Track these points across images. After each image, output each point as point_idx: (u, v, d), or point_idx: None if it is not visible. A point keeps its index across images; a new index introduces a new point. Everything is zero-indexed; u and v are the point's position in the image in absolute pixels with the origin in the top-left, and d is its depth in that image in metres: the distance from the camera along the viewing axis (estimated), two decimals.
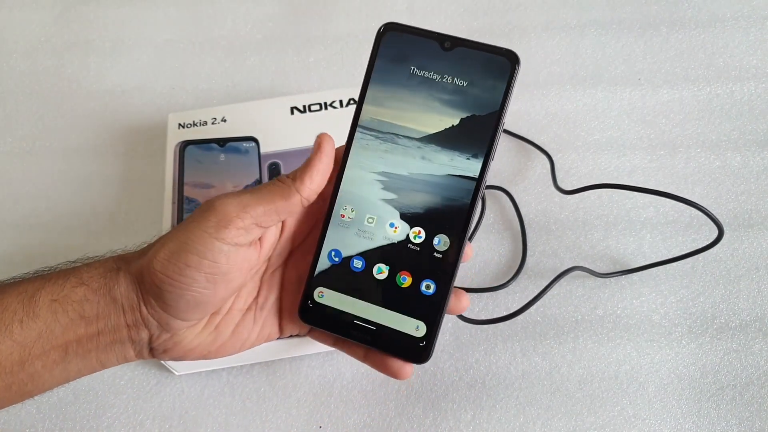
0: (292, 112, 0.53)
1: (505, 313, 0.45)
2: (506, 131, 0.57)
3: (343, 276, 0.37)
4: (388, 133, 0.37)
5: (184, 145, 0.51)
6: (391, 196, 0.37)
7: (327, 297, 0.37)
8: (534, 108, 0.59)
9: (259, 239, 0.36)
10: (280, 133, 0.52)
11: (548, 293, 0.46)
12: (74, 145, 0.58)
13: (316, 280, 0.37)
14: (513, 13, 0.65)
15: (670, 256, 0.49)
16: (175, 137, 0.52)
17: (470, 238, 0.50)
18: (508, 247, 0.51)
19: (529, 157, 0.56)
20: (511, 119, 0.58)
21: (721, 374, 0.45)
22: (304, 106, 0.54)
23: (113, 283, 0.34)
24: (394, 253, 0.37)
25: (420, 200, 0.36)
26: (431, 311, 0.36)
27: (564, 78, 0.60)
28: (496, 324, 0.47)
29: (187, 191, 0.49)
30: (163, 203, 0.50)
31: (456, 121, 0.36)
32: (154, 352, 0.36)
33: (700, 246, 0.48)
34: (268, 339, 0.39)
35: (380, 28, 0.37)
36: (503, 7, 0.66)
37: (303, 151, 0.51)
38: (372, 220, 0.37)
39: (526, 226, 0.52)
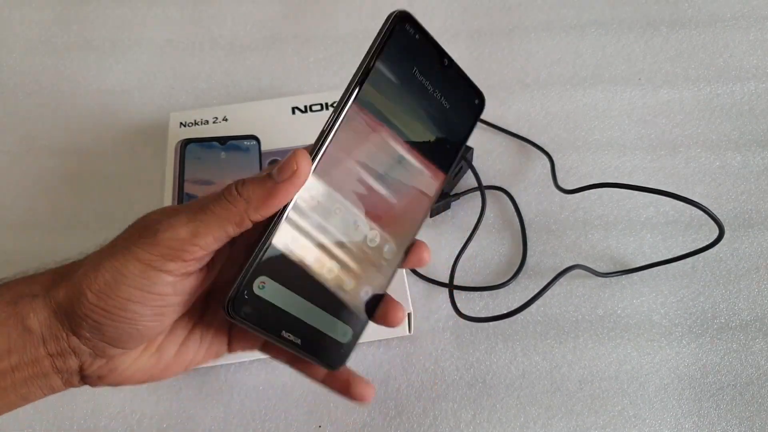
0: (294, 112, 0.53)
1: (505, 311, 0.44)
2: (506, 131, 0.57)
3: (291, 268, 0.31)
4: (383, 122, 0.33)
5: (185, 142, 0.51)
6: (362, 191, 0.33)
7: (268, 290, 0.31)
8: (534, 108, 0.59)
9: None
10: (282, 132, 0.52)
11: (548, 293, 0.46)
12: (74, 144, 0.58)
13: (260, 268, 0.30)
14: (513, 13, 0.65)
15: (670, 256, 0.49)
16: (176, 136, 0.52)
17: (470, 238, 0.50)
18: (509, 247, 0.51)
19: (529, 157, 0.56)
20: (511, 119, 0.58)
21: (722, 374, 0.45)
22: (306, 107, 0.54)
23: (27, 311, 0.29)
24: (347, 253, 0.33)
25: (385, 204, 0.34)
26: (360, 318, 0.34)
27: (564, 78, 0.60)
28: (497, 323, 0.47)
29: (188, 188, 0.49)
30: (162, 201, 0.50)
31: (433, 138, 0.35)
32: (87, 379, 0.31)
33: (701, 246, 0.48)
34: (216, 356, 0.35)
35: (395, 14, 0.32)
36: (503, 7, 0.66)
37: None
38: (338, 212, 0.32)
39: (526, 226, 0.52)
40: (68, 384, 0.31)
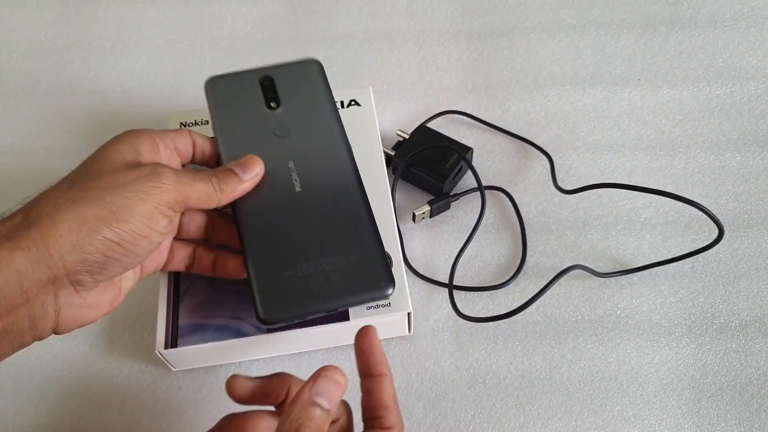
0: None
1: (505, 311, 0.44)
2: (506, 131, 0.57)
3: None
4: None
5: None
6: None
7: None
8: (534, 108, 0.59)
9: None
10: None
11: (548, 293, 0.46)
12: (74, 144, 0.58)
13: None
14: (513, 13, 0.65)
15: (670, 256, 0.49)
16: None
17: (470, 238, 0.50)
18: (508, 247, 0.51)
19: (529, 157, 0.56)
20: (510, 119, 0.58)
21: (721, 374, 0.45)
22: None
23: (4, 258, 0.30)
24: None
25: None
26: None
27: (564, 78, 0.60)
28: (497, 323, 0.47)
29: None
30: None
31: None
32: (60, 323, 0.33)
33: (700, 246, 0.48)
34: (141, 279, 0.39)
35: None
36: (503, 7, 0.66)
37: None
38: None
39: (525, 226, 0.52)
40: (37, 335, 0.33)
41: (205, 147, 0.42)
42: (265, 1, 0.67)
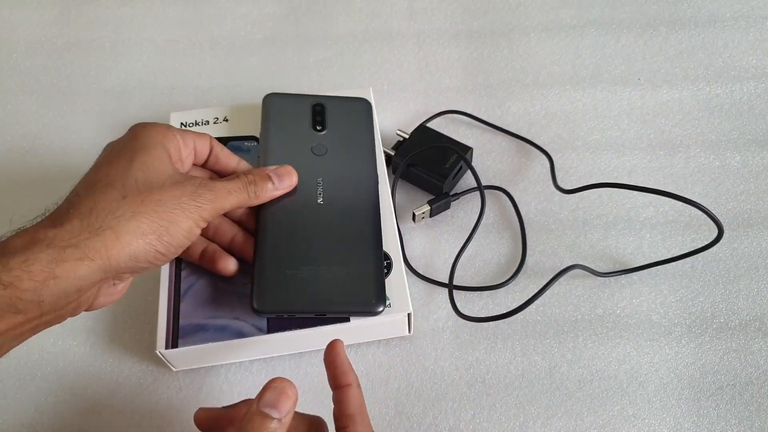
0: None
1: (504, 311, 0.44)
2: (506, 131, 0.57)
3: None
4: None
5: None
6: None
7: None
8: (534, 108, 0.59)
9: None
10: None
11: (548, 293, 0.46)
12: (74, 144, 0.58)
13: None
14: (513, 13, 0.65)
15: (669, 256, 0.49)
16: None
17: (470, 238, 0.50)
18: (508, 247, 0.51)
19: (529, 157, 0.56)
20: (510, 119, 0.58)
21: (721, 374, 0.45)
22: None
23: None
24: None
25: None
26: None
27: (564, 78, 0.60)
28: (496, 323, 0.47)
29: None
30: None
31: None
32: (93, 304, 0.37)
33: (700, 246, 0.48)
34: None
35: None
36: (503, 7, 0.66)
37: None
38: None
39: (525, 226, 0.52)
40: (71, 316, 0.36)
41: (221, 155, 0.44)
42: (265, 1, 0.67)
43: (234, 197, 0.40)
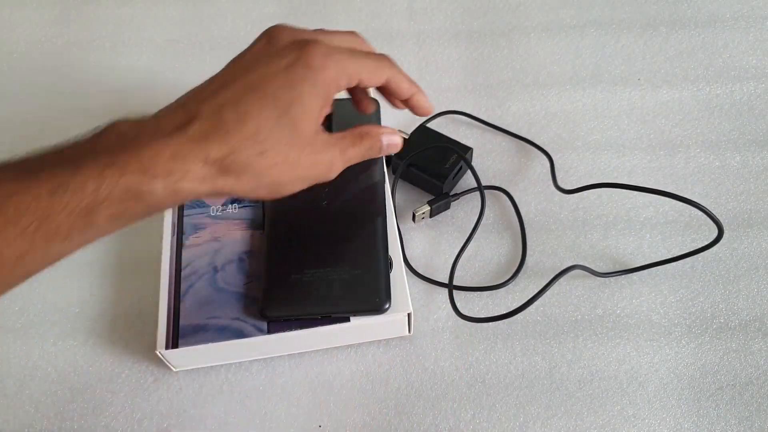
0: None
1: (504, 311, 0.44)
2: (506, 131, 0.57)
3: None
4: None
5: None
6: None
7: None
8: (534, 108, 0.59)
9: None
10: None
11: (548, 293, 0.46)
12: None
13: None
14: (513, 13, 0.65)
15: (669, 256, 0.49)
16: None
17: (470, 238, 0.50)
18: (508, 247, 0.51)
19: (529, 157, 0.56)
20: (510, 119, 0.58)
21: (721, 374, 0.45)
22: None
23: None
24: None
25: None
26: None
27: (564, 78, 0.61)
28: (496, 323, 0.47)
29: None
30: None
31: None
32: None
33: (700, 246, 0.48)
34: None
35: None
36: (503, 7, 0.66)
37: None
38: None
39: (525, 226, 0.52)
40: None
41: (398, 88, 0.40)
42: (265, 1, 0.67)
43: (356, 150, 0.38)
